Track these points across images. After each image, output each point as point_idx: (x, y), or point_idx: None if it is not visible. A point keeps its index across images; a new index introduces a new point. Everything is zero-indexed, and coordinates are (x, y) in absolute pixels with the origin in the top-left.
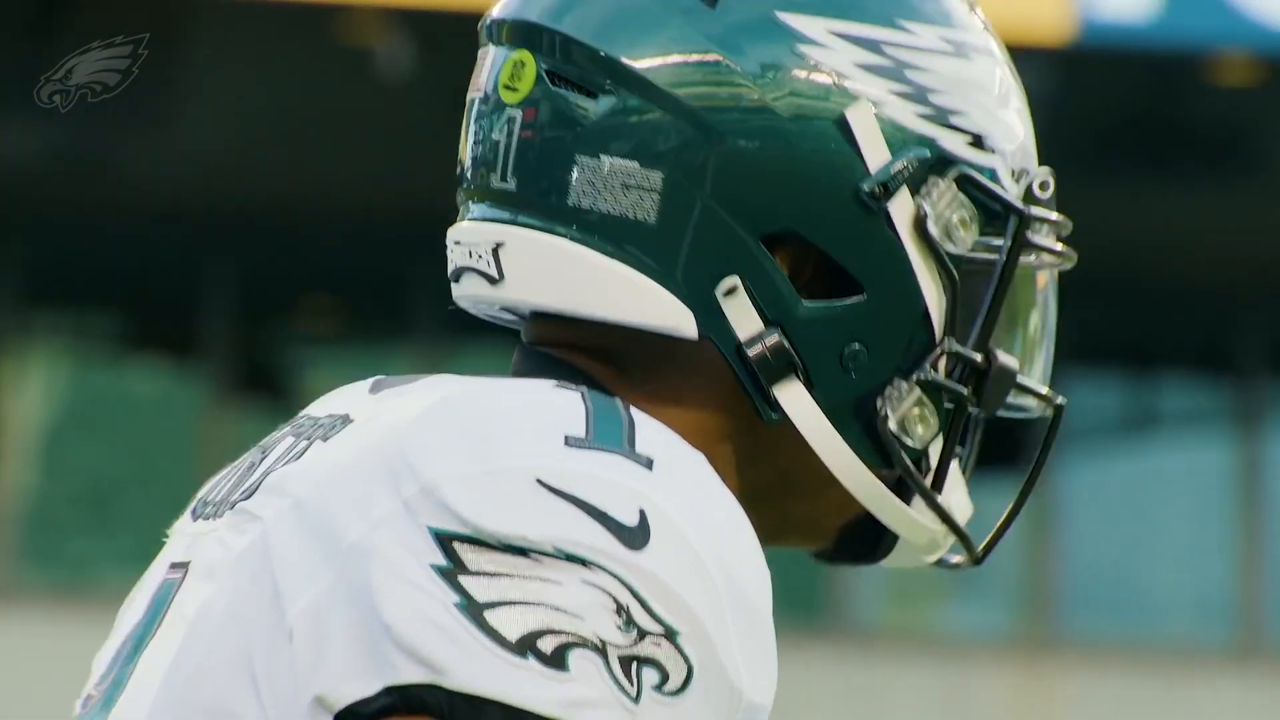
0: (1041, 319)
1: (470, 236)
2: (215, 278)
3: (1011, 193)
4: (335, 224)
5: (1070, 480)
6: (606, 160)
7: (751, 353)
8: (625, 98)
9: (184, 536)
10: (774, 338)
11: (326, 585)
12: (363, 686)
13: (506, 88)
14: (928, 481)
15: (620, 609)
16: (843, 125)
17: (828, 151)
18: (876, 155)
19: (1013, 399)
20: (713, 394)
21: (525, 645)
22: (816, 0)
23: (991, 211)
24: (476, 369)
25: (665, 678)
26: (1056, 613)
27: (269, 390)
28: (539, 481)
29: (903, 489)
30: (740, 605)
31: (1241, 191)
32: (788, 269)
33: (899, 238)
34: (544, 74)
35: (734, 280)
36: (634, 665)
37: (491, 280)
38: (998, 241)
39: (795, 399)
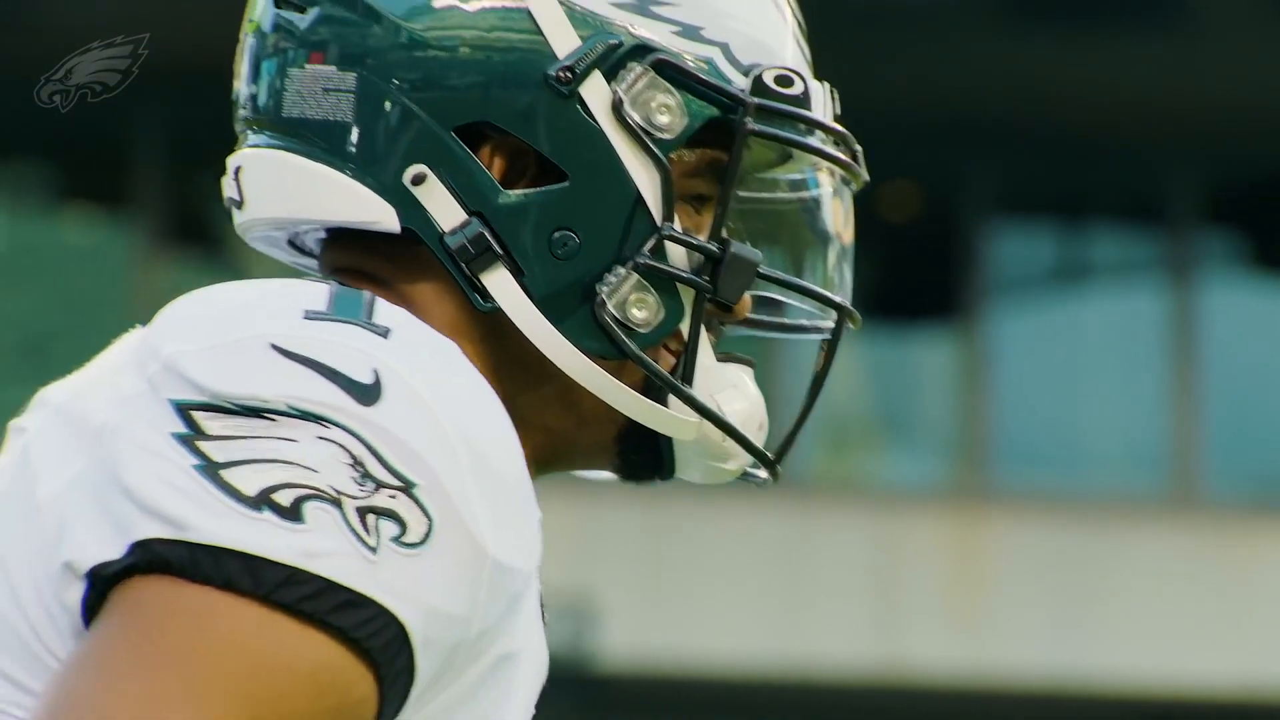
0: (815, 218)
1: (227, 166)
2: (147, 128)
3: (735, 84)
4: None
5: (1002, 331)
6: (310, 69)
7: (450, 242)
8: (327, 8)
9: None
10: (473, 226)
11: (77, 469)
12: (108, 550)
13: (248, 20)
14: (678, 374)
15: (355, 463)
16: (528, 14)
17: (512, 41)
18: (563, 43)
19: (790, 300)
20: (441, 290)
21: (262, 499)
22: None
23: (718, 102)
24: None
25: (404, 529)
26: (989, 463)
27: (201, 240)
28: (273, 346)
29: (657, 389)
30: (482, 467)
31: (1171, 40)
32: (494, 160)
33: (597, 123)
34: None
35: (420, 169)
36: (372, 517)
37: (238, 205)
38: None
39: (502, 286)
